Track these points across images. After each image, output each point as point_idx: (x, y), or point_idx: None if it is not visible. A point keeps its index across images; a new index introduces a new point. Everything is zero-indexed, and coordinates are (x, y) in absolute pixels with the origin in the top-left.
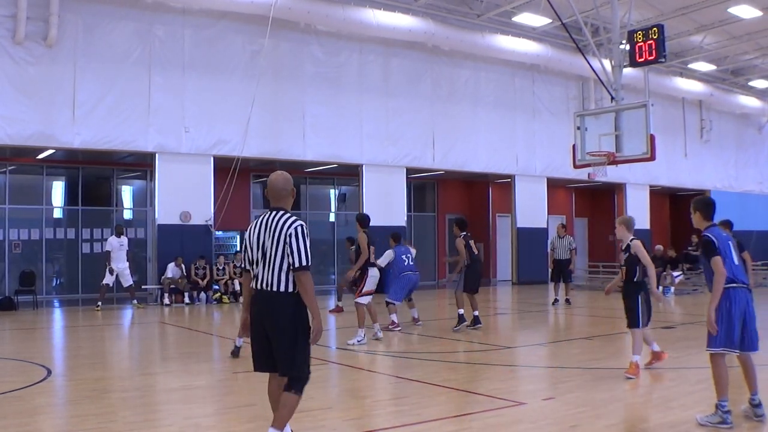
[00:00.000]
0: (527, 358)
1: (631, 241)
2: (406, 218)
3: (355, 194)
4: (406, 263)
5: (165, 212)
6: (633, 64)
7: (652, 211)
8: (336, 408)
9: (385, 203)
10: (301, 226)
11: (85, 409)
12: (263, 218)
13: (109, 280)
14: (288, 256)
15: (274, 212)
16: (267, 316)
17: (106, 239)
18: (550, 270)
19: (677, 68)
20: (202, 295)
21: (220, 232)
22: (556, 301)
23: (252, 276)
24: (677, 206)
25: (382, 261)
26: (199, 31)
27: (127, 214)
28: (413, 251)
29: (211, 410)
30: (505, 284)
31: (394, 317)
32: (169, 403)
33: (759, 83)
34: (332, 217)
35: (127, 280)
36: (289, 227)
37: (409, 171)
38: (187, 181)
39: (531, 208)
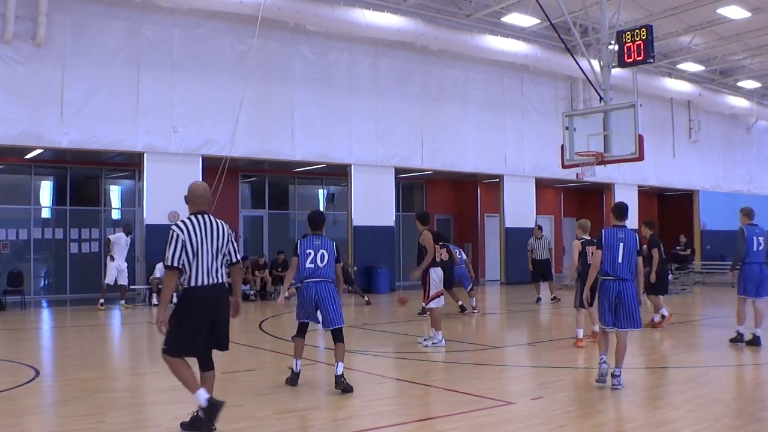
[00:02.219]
0: (516, 357)
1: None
2: (394, 218)
3: (343, 194)
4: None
5: (153, 212)
6: (621, 64)
7: (641, 211)
8: (324, 408)
9: (374, 203)
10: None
11: (74, 410)
12: (201, 221)
13: (111, 278)
14: (227, 253)
15: (206, 216)
16: (217, 305)
17: (95, 239)
18: (530, 271)
19: (666, 68)
20: None
21: None
22: (539, 299)
23: (188, 272)
24: (665, 206)
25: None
26: (188, 30)
27: (116, 214)
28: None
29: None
30: (494, 284)
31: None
32: (158, 403)
33: (747, 84)
34: None
35: (124, 279)
36: (226, 229)
37: (398, 171)
38: (176, 181)
39: (519, 208)
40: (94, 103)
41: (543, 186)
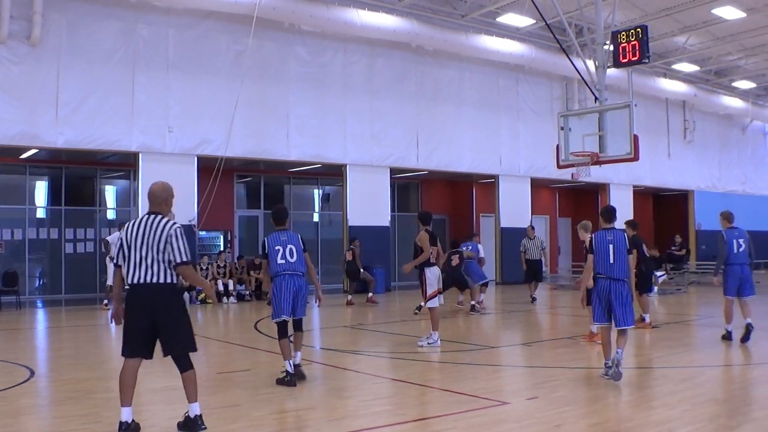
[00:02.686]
0: (511, 357)
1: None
2: (389, 218)
3: (338, 194)
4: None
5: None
6: (617, 64)
7: (636, 211)
8: (320, 408)
9: (369, 203)
10: (179, 228)
11: (69, 410)
12: (142, 221)
13: (112, 279)
14: (170, 253)
15: (152, 216)
16: (155, 305)
17: (90, 239)
18: (524, 271)
19: (661, 69)
20: (186, 295)
21: (204, 233)
22: (534, 299)
23: (126, 272)
24: (661, 206)
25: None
26: (184, 30)
27: (111, 214)
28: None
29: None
30: (489, 284)
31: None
32: (153, 403)
33: (742, 84)
34: (316, 218)
35: None
36: (169, 229)
37: (393, 171)
38: (171, 180)
39: (515, 208)
40: (89, 103)
41: (538, 186)
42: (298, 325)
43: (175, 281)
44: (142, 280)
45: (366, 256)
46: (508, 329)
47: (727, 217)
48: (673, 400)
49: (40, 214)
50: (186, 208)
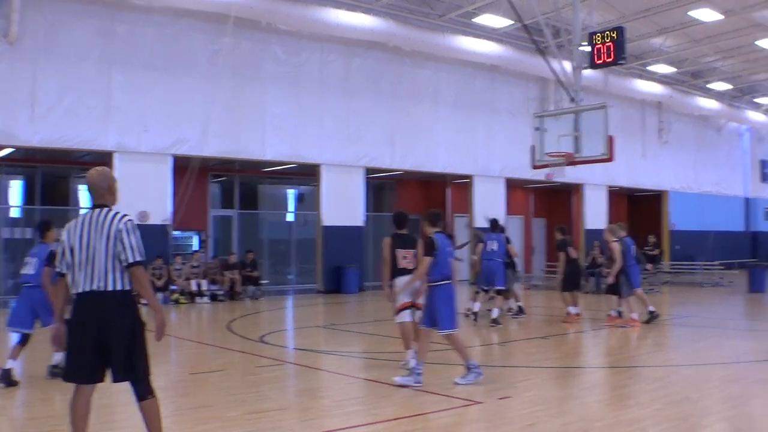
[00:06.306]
0: (484, 357)
1: None
2: (364, 218)
3: (313, 194)
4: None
5: (123, 212)
6: (593, 65)
7: (611, 212)
8: (293, 408)
9: (344, 203)
10: (131, 220)
11: (41, 412)
12: (84, 217)
13: None
14: (121, 252)
15: (97, 210)
16: (102, 319)
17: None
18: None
19: (637, 70)
20: (159, 295)
21: (178, 232)
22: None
23: (72, 280)
24: (635, 207)
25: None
26: (161, 29)
27: None
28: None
29: (166, 412)
30: (464, 284)
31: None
32: (125, 404)
33: (718, 85)
34: (290, 217)
35: None
36: (118, 222)
37: (369, 171)
38: (146, 180)
39: (489, 208)
40: (65, 101)
41: (513, 186)
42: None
43: (128, 288)
44: (87, 288)
45: (340, 256)
46: (481, 329)
47: (618, 229)
48: (646, 399)
49: (15, 213)
50: (161, 207)
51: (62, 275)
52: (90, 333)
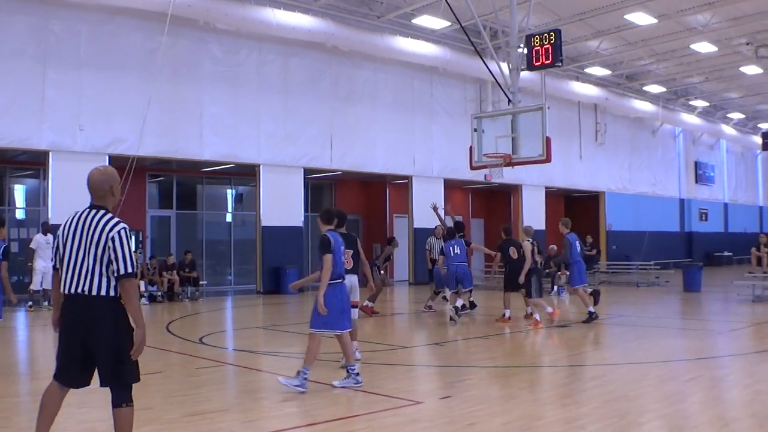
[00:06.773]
0: (424, 357)
1: None
2: (303, 219)
3: (252, 194)
4: (452, 254)
5: (59, 212)
6: (530, 67)
7: (548, 212)
8: (233, 410)
9: (283, 204)
10: (125, 229)
11: None
12: (79, 216)
13: (37, 284)
14: (113, 261)
15: (93, 211)
16: (87, 322)
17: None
18: (429, 269)
19: (574, 72)
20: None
21: None
22: (444, 298)
23: (62, 277)
24: (572, 207)
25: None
26: (96, 27)
27: (20, 214)
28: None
29: (106, 414)
30: (402, 284)
31: (459, 302)
32: (65, 406)
33: (653, 88)
34: (229, 218)
35: (48, 283)
36: (111, 230)
37: (307, 171)
38: (82, 180)
39: (428, 208)
40: None
41: (452, 187)
42: None
43: (113, 294)
44: (73, 291)
45: (279, 257)
46: (421, 329)
47: (566, 224)
48: (584, 398)
49: None
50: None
51: (54, 269)
52: (76, 334)
